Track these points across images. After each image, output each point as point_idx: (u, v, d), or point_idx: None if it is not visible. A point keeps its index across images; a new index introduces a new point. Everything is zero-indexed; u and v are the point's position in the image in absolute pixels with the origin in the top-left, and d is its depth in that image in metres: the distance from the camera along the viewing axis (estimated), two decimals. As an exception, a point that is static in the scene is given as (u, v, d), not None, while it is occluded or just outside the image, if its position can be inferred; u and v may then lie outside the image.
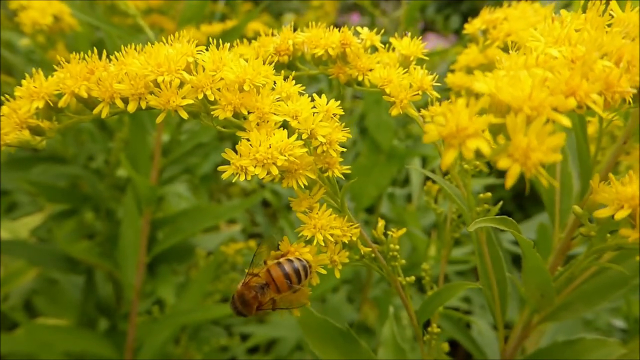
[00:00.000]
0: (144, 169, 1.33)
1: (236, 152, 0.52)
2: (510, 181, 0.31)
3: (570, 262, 0.69)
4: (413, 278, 0.72)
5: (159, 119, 0.51)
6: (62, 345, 1.33)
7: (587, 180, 0.55)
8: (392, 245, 0.67)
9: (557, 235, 0.70)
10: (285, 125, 0.54)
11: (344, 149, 0.57)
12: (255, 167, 0.49)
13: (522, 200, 2.79)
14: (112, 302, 1.55)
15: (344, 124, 0.57)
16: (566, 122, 0.32)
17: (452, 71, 0.98)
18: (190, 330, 1.56)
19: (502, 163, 0.31)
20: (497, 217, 0.56)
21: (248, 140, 0.51)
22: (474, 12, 0.87)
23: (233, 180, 0.49)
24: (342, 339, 0.77)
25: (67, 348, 1.37)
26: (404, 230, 0.71)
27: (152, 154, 1.37)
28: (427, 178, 1.15)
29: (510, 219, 0.57)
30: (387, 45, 0.69)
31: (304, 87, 0.58)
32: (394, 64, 0.65)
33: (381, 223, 0.72)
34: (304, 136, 0.53)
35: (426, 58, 0.66)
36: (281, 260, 0.57)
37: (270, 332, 1.73)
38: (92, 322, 1.54)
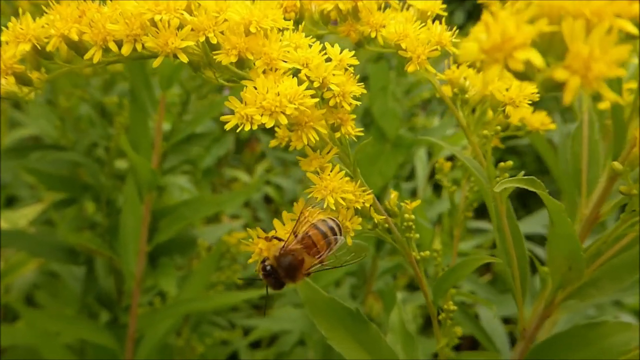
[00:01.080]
0: (145, 154, 1.28)
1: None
2: (569, 96, 0.26)
3: (597, 239, 0.64)
4: (427, 252, 0.68)
5: (156, 63, 0.46)
6: (63, 335, 1.29)
7: (622, 138, 0.51)
8: (407, 216, 0.63)
9: (583, 206, 0.65)
10: (294, 75, 0.49)
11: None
12: (262, 115, 0.45)
13: (526, 199, 2.76)
14: (113, 295, 1.51)
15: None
16: (633, 29, 0.28)
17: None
18: (192, 322, 1.51)
19: (559, 74, 0.26)
20: (524, 177, 0.52)
21: (255, 88, 0.46)
22: (478, 9, 0.83)
23: (237, 131, 0.45)
24: (351, 320, 0.73)
25: (68, 338, 1.33)
26: (418, 201, 0.66)
27: (153, 140, 1.33)
28: (433, 173, 1.11)
29: (538, 180, 0.53)
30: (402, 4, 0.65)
31: (313, 40, 0.53)
32: (410, 20, 0.60)
33: (394, 194, 0.68)
34: (315, 84, 0.49)
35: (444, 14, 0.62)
36: (315, 222, 0.54)
37: (272, 326, 1.67)
38: (93, 315, 1.50)
